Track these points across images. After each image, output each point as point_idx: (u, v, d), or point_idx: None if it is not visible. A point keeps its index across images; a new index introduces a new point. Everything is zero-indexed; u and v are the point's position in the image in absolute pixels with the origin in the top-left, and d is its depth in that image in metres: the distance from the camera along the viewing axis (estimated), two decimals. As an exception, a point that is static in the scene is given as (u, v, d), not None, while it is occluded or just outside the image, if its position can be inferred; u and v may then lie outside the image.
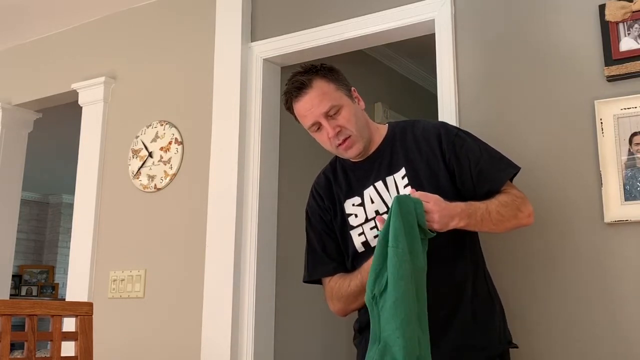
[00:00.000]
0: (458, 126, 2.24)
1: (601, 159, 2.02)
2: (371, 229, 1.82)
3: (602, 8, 2.10)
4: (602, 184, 2.01)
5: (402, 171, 1.82)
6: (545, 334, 2.04)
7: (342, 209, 1.89)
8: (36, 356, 1.90)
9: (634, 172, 1.97)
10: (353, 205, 1.87)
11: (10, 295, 4.15)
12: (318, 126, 1.82)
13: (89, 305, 2.08)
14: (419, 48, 3.46)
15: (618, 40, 2.06)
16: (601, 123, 2.04)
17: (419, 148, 1.84)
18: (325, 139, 1.83)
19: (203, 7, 3.08)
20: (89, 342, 2.02)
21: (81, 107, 3.41)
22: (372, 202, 1.84)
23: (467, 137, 1.86)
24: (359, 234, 1.85)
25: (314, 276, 1.94)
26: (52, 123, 4.42)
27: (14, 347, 3.35)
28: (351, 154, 1.85)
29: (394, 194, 1.81)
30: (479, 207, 1.70)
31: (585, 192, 2.05)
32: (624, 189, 1.98)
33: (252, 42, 2.91)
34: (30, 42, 3.77)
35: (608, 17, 2.08)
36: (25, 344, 1.90)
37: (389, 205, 1.78)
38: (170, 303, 2.87)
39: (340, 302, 1.85)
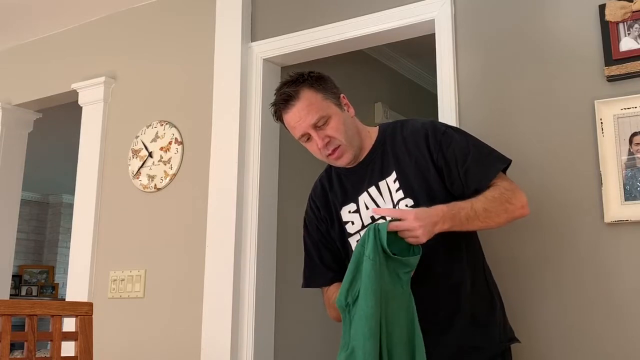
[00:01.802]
0: (458, 125, 2.24)
1: (601, 159, 2.02)
2: None
3: (602, 8, 2.10)
4: (602, 184, 2.01)
5: (393, 175, 1.82)
6: (544, 334, 2.04)
7: (339, 217, 1.89)
8: (36, 356, 1.90)
9: (634, 172, 1.97)
10: (349, 212, 1.87)
11: (10, 295, 4.15)
12: (308, 137, 1.82)
13: (89, 305, 2.08)
14: (419, 48, 3.45)
15: (618, 40, 2.06)
16: (601, 123, 2.04)
17: (408, 150, 1.83)
18: (316, 149, 1.83)
19: (203, 7, 3.08)
20: (89, 342, 2.02)
21: (81, 107, 3.41)
22: (367, 208, 1.83)
23: (455, 134, 1.83)
24: (357, 241, 1.82)
25: (311, 285, 1.97)
26: (52, 123, 4.42)
27: (14, 347, 3.35)
28: (341, 163, 1.85)
29: (387, 198, 1.81)
30: (463, 207, 1.67)
31: (585, 192, 2.05)
32: (624, 189, 1.97)
33: (252, 42, 2.91)
34: (30, 42, 3.77)
35: (608, 17, 2.08)
36: (25, 344, 1.90)
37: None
38: (170, 303, 2.87)
39: (335, 311, 1.84)
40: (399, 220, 1.61)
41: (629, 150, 1.99)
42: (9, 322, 1.86)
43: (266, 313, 2.74)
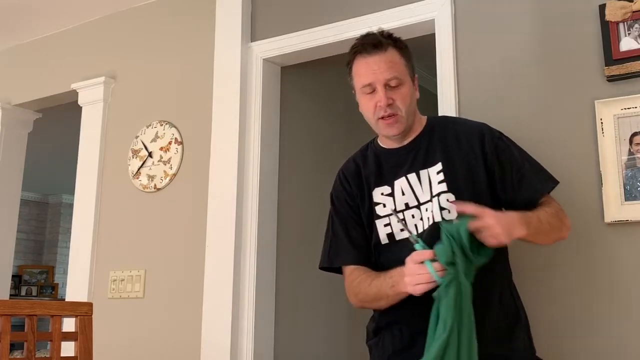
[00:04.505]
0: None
1: (601, 159, 2.02)
2: (398, 221, 1.74)
3: (602, 8, 2.10)
4: (602, 184, 2.01)
5: (438, 166, 1.74)
6: (543, 335, 2.04)
7: (370, 197, 1.80)
8: (36, 356, 1.90)
9: (634, 172, 1.97)
10: (382, 194, 1.79)
11: (10, 295, 4.15)
12: (372, 89, 1.74)
13: (89, 305, 2.08)
14: (419, 48, 3.45)
15: (618, 40, 2.06)
16: (601, 123, 2.04)
17: (459, 144, 1.77)
18: (371, 107, 1.75)
19: (203, 7, 3.08)
20: (89, 342, 2.02)
21: (81, 107, 3.41)
22: (403, 194, 1.76)
23: (510, 143, 1.80)
24: (385, 225, 1.76)
25: (335, 263, 1.83)
26: (52, 123, 4.42)
27: (13, 347, 3.35)
28: (390, 131, 1.77)
29: (426, 188, 1.74)
30: (531, 216, 1.63)
31: (585, 192, 2.05)
32: (624, 189, 1.97)
33: (252, 42, 2.91)
34: (30, 42, 3.77)
35: (608, 17, 2.08)
36: (25, 344, 1.90)
37: (420, 199, 1.73)
38: (170, 303, 2.87)
39: (356, 298, 1.76)
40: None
41: (629, 150, 1.99)
42: (9, 322, 1.86)
43: (266, 313, 2.74)
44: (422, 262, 1.53)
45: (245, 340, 2.64)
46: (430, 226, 1.68)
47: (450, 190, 1.70)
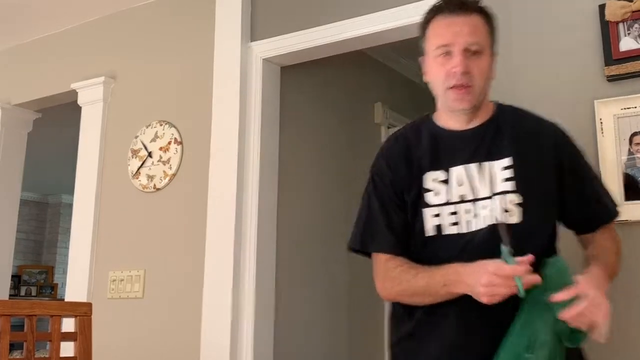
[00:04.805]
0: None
1: (601, 159, 2.02)
2: (450, 214, 1.54)
3: (602, 8, 2.10)
4: (602, 184, 2.01)
5: (507, 161, 1.54)
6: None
7: (420, 181, 1.58)
8: (35, 356, 1.90)
9: (634, 172, 1.97)
10: (434, 180, 1.57)
11: (10, 295, 4.15)
12: (447, 52, 1.56)
13: (88, 305, 2.08)
14: (419, 48, 3.45)
15: (618, 40, 2.06)
16: (601, 123, 2.04)
17: (534, 141, 1.59)
18: (443, 73, 1.56)
19: (203, 7, 3.08)
20: (88, 343, 2.02)
21: (81, 107, 3.41)
22: (460, 184, 1.55)
23: (579, 152, 1.67)
24: (434, 215, 1.55)
25: (369, 248, 1.63)
26: (52, 123, 4.42)
27: (13, 347, 3.34)
28: (460, 104, 1.57)
29: (487, 182, 1.54)
30: (603, 265, 1.55)
31: (585, 192, 2.05)
32: (624, 189, 1.97)
33: (252, 42, 2.91)
34: (30, 42, 3.77)
35: (608, 17, 2.08)
36: (25, 344, 1.91)
37: (478, 194, 1.54)
38: (169, 303, 2.87)
39: (394, 289, 1.58)
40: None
41: (629, 150, 1.99)
42: (8, 322, 1.86)
43: (266, 313, 2.74)
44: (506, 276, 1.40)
45: (245, 340, 2.64)
46: (488, 227, 1.51)
47: (518, 190, 1.52)
